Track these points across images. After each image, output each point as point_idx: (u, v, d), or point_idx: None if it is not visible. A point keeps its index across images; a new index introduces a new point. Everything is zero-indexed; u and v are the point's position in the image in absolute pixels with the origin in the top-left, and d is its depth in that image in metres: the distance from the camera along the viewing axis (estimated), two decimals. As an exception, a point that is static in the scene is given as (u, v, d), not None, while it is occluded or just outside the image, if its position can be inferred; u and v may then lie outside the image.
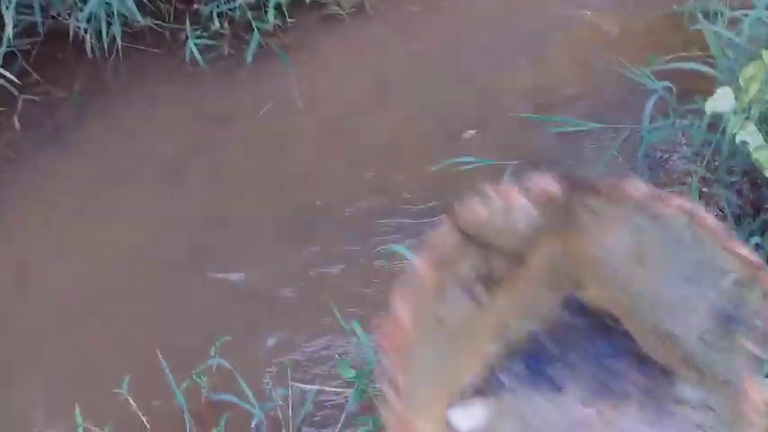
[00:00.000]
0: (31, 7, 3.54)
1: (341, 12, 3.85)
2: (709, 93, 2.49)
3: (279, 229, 3.05)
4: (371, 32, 3.80)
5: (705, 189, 2.78)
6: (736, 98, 2.44)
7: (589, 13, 3.67)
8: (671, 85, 2.77)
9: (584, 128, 2.89)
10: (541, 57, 3.54)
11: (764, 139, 2.37)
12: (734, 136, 2.41)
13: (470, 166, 2.84)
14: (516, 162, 2.94)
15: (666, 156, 2.96)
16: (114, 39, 3.55)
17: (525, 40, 3.63)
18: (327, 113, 3.49)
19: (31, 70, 3.69)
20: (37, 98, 3.63)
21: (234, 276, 2.89)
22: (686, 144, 2.87)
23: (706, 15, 3.02)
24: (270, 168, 3.30)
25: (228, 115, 3.55)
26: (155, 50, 3.78)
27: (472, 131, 2.96)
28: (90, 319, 2.82)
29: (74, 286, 2.94)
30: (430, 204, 3.02)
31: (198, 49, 3.62)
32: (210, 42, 3.70)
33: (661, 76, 2.88)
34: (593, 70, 3.42)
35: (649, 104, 2.66)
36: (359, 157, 3.26)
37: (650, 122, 2.76)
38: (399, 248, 2.20)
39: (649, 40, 3.35)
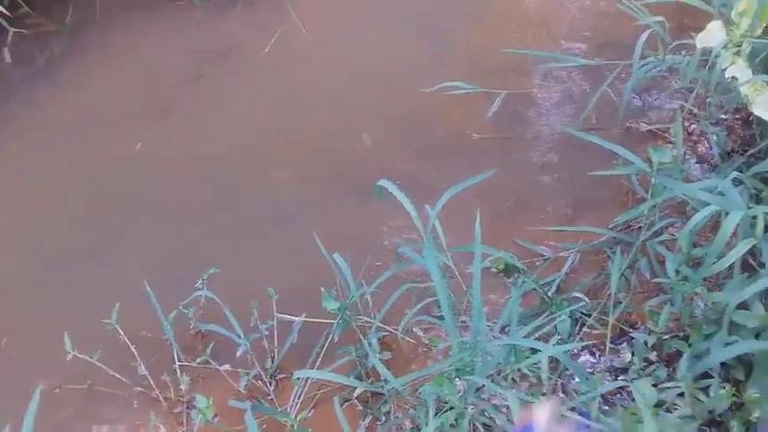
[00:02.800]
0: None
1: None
2: (702, 29, 2.46)
3: (274, 164, 3.04)
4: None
5: (694, 126, 2.76)
6: (727, 33, 2.40)
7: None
8: (664, 20, 2.72)
9: (575, 64, 2.86)
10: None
11: (754, 75, 2.34)
12: (723, 71, 2.38)
13: (461, 92, 2.85)
14: (505, 92, 2.93)
15: (656, 91, 2.93)
16: (104, -30, 3.50)
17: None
18: (326, 39, 3.46)
19: (21, 2, 3.66)
20: (27, 31, 3.60)
21: (222, 212, 2.91)
22: (677, 80, 2.83)
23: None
24: (269, 100, 3.29)
25: (225, 49, 3.51)
26: (145, -17, 3.73)
27: (369, 141, 2.99)
28: (78, 252, 2.85)
29: (57, 220, 2.96)
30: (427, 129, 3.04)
31: (191, -19, 3.58)
32: (202, -25, 3.65)
33: (656, 11, 2.82)
34: (589, 5, 3.36)
35: (641, 40, 2.61)
36: (361, 86, 3.24)
37: (642, 58, 2.72)
38: (386, 183, 2.20)
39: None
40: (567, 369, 2.13)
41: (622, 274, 2.36)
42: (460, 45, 3.34)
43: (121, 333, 2.40)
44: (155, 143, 3.16)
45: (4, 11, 3.52)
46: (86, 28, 3.65)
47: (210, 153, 3.10)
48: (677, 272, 2.14)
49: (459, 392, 1.97)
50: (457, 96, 3.01)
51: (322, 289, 2.40)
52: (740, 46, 2.39)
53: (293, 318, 2.55)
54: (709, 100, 2.76)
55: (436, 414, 1.99)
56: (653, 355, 2.17)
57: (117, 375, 2.43)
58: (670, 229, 2.51)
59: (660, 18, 2.67)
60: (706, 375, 1.97)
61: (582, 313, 2.34)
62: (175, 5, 3.69)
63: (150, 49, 3.56)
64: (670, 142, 2.76)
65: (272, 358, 2.47)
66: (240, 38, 3.55)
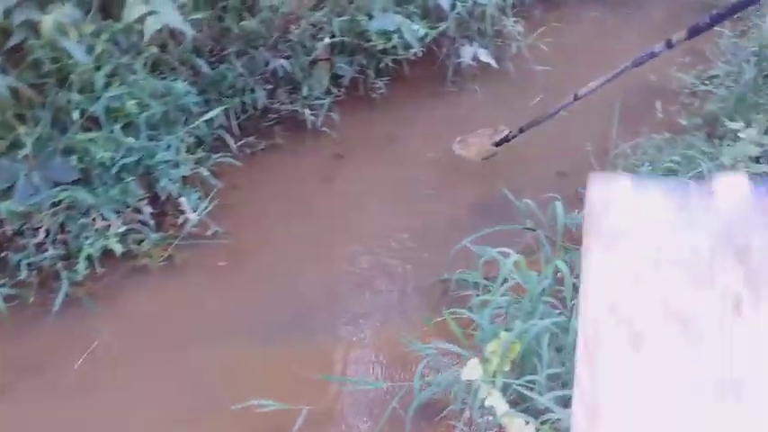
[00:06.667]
0: None
1: (151, 263, 4.08)
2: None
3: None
4: (179, 283, 4.03)
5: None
6: (483, 369, 2.88)
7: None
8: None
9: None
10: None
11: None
12: (483, 400, 2.81)
13: None
14: None
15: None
16: None
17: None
18: (141, 361, 3.60)
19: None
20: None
21: None
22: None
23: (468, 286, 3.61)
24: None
25: (35, 364, 3.53)
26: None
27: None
28: None
29: None
30: None
31: (1, 298, 3.67)
32: (14, 292, 3.76)
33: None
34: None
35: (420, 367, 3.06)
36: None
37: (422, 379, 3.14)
38: None
39: (423, 302, 3.84)
40: None
41: None
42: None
43: None
44: None
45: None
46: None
47: None
48: None
49: None
50: None
51: None
52: (494, 380, 2.86)
53: None
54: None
55: None
56: None
57: None
58: None
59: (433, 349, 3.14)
60: None
61: None
62: None
63: None
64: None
65: None
66: (54, 352, 3.61)
